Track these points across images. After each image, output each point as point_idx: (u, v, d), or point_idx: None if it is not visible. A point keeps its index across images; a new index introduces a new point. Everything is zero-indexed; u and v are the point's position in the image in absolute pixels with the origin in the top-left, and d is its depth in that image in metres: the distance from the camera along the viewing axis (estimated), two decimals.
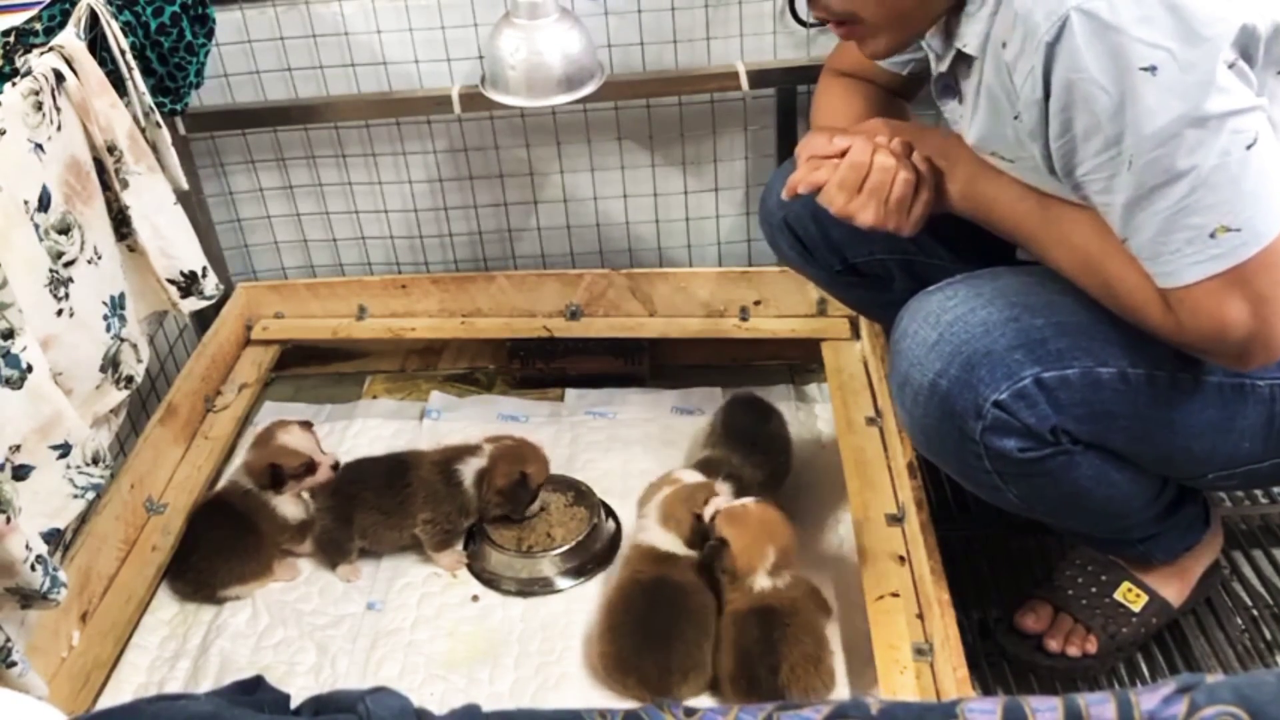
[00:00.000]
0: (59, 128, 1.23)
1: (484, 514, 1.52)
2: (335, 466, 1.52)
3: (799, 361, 1.87)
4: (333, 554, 1.52)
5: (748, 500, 1.37)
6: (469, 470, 1.50)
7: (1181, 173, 0.90)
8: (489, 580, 1.50)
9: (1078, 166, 0.98)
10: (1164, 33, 0.88)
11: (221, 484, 1.61)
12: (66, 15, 1.32)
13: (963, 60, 1.08)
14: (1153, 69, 0.88)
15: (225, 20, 1.68)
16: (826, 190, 1.13)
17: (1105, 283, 1.03)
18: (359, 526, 1.50)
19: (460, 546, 1.54)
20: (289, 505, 1.51)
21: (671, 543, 1.37)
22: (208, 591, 1.48)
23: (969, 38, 1.04)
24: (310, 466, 1.50)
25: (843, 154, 1.13)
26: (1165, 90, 0.88)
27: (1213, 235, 0.91)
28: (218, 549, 1.48)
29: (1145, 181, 0.92)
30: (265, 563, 1.50)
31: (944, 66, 1.11)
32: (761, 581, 1.30)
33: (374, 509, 1.50)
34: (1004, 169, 1.11)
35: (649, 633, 1.29)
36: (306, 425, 1.56)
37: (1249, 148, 0.89)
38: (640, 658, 1.29)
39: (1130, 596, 1.33)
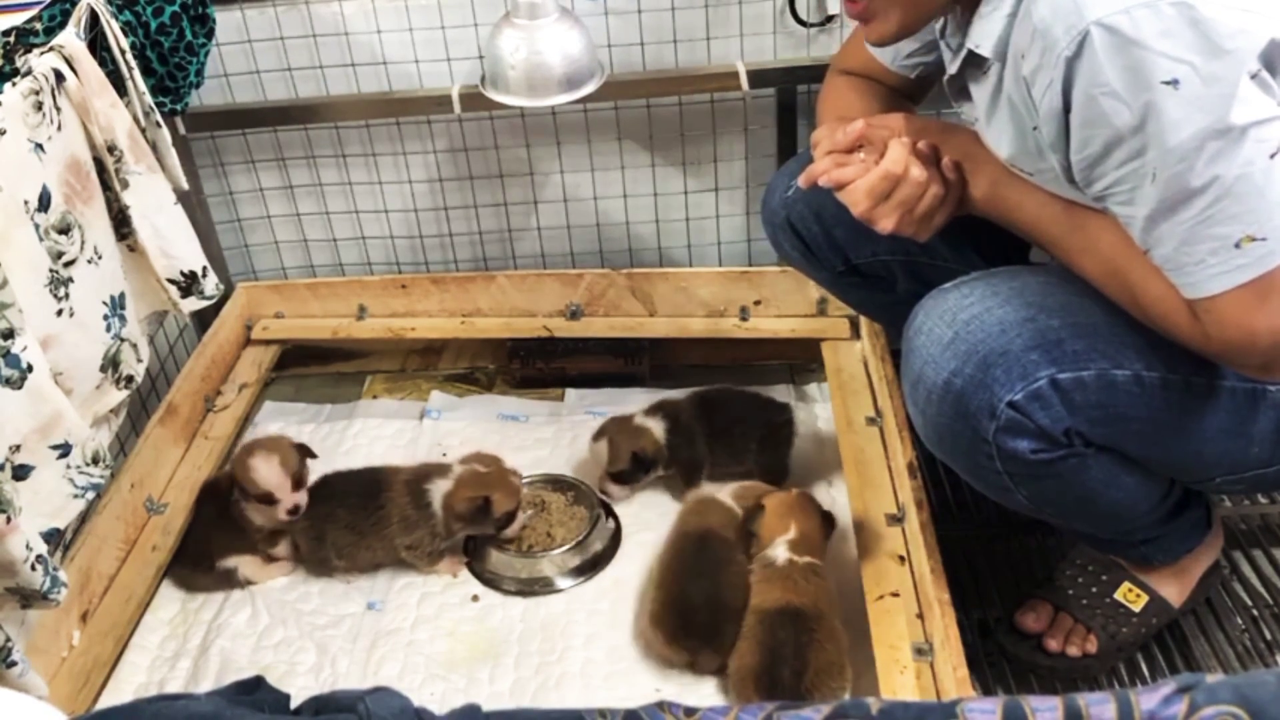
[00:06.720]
0: (59, 128, 1.23)
1: (451, 534, 1.48)
2: (294, 511, 1.46)
3: (799, 361, 1.87)
4: (318, 570, 1.51)
5: (796, 490, 1.45)
6: (437, 493, 1.46)
7: (1205, 184, 0.89)
8: (489, 580, 1.50)
9: (1099, 180, 0.97)
10: (1186, 46, 0.87)
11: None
12: (66, 15, 1.32)
13: (973, 62, 1.07)
14: (1174, 83, 0.87)
15: (225, 20, 1.68)
16: (852, 191, 1.11)
17: (1130, 291, 1.02)
18: (333, 545, 1.48)
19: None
20: (257, 514, 1.49)
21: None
22: (207, 565, 1.49)
23: (980, 38, 1.03)
24: (269, 499, 1.45)
25: (859, 143, 1.12)
26: (1188, 104, 0.87)
27: (1238, 245, 0.90)
28: (212, 521, 1.51)
29: (1169, 194, 0.91)
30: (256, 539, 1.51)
31: (955, 67, 1.10)
32: (779, 553, 1.33)
33: (347, 528, 1.47)
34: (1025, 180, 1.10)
35: (702, 578, 1.35)
36: (302, 450, 1.51)
37: (1273, 156, 0.88)
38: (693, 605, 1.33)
39: (1130, 596, 1.33)
